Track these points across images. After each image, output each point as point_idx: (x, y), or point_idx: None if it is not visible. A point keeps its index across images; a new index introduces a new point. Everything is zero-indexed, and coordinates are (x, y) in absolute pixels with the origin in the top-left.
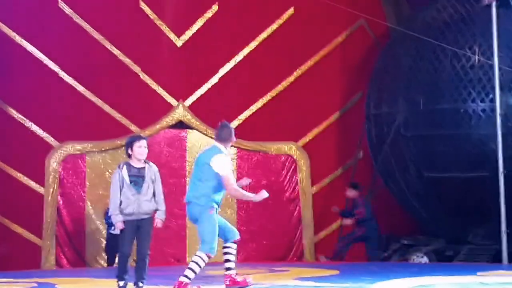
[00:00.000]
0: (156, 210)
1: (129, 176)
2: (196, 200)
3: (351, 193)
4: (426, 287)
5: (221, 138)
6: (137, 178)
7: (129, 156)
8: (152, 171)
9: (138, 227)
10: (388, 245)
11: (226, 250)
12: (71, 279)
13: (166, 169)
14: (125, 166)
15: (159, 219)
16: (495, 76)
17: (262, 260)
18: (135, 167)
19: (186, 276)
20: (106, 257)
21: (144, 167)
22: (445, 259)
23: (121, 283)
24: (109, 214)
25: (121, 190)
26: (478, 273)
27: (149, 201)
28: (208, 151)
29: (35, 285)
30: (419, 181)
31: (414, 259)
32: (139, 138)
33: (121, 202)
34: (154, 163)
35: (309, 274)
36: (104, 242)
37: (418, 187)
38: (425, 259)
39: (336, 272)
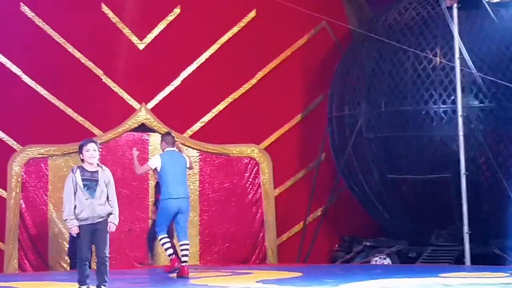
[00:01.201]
0: (110, 214)
1: (82, 180)
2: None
3: None
4: None
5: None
6: (90, 182)
7: (82, 160)
8: (105, 174)
9: (94, 230)
10: (351, 247)
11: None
12: (34, 283)
13: (129, 172)
14: (78, 170)
15: (112, 223)
16: (457, 78)
17: (225, 263)
18: (88, 171)
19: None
20: (69, 260)
21: (97, 171)
22: (408, 261)
23: (84, 287)
24: (64, 218)
25: (74, 195)
26: (440, 275)
27: (103, 205)
28: (180, 155)
29: None
30: (382, 183)
31: (377, 261)
32: (87, 141)
33: (75, 206)
34: (116, 166)
35: (272, 277)
36: (67, 245)
37: (381, 189)
38: (387, 261)
39: (299, 274)
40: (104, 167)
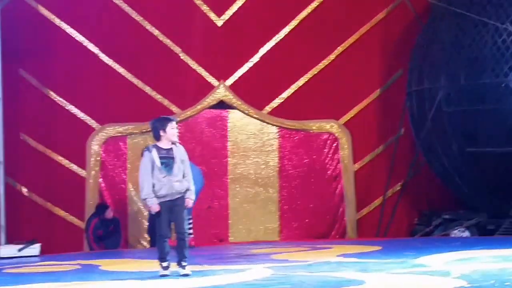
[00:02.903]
0: (187, 190)
1: (160, 158)
2: None
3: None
4: (468, 261)
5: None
6: (167, 160)
7: (158, 138)
8: (180, 151)
9: (173, 207)
10: (430, 221)
11: None
12: (115, 260)
13: (208, 149)
14: (153, 149)
15: (189, 199)
16: None
17: (305, 238)
18: (164, 149)
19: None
20: (149, 238)
21: (172, 148)
22: (486, 233)
23: (165, 264)
24: (143, 198)
25: (152, 173)
26: None
27: (180, 181)
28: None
29: (79, 267)
30: (461, 157)
31: (456, 233)
32: (170, 119)
33: (153, 185)
34: (195, 143)
35: (352, 251)
36: (146, 223)
37: (460, 163)
38: (466, 233)
39: (379, 248)
40: (177, 144)
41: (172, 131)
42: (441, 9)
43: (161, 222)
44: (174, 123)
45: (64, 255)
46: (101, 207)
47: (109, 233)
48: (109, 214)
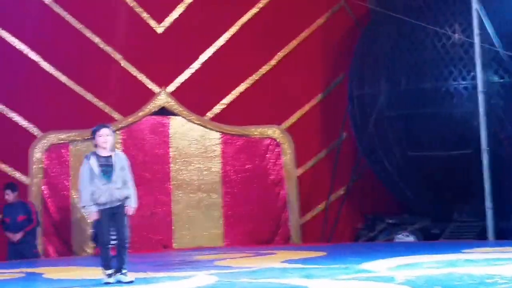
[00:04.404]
0: (127, 197)
1: (99, 166)
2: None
3: (10, 196)
4: (413, 266)
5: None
6: (106, 167)
7: (95, 145)
8: (119, 158)
9: (113, 214)
10: (374, 225)
11: None
12: (59, 268)
13: (150, 156)
14: (92, 157)
15: (129, 207)
16: (476, 54)
17: (249, 244)
18: (103, 156)
19: None
20: (93, 245)
21: (111, 156)
22: (431, 237)
23: (109, 271)
24: (81, 205)
25: (91, 181)
26: (464, 251)
27: (120, 189)
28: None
29: (23, 275)
30: (403, 161)
31: (400, 238)
32: (100, 127)
33: (93, 192)
34: (137, 150)
35: (296, 256)
36: (91, 230)
37: (403, 167)
38: (411, 238)
39: (323, 253)
40: (117, 151)
41: (100, 138)
42: (380, 14)
43: (103, 230)
44: (102, 130)
45: (7, 263)
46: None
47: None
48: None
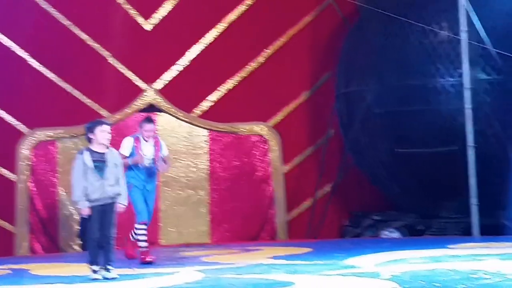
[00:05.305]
0: (118, 194)
1: (93, 161)
2: None
3: None
4: (398, 262)
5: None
6: (99, 164)
7: (90, 141)
8: (113, 155)
9: (103, 211)
10: (360, 222)
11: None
12: (45, 265)
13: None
14: (86, 152)
15: (120, 204)
16: (463, 51)
17: (235, 240)
18: (97, 152)
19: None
20: (80, 242)
21: (105, 152)
22: (416, 234)
23: (95, 268)
24: (74, 200)
25: (84, 176)
26: (449, 246)
27: (112, 185)
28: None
29: (10, 271)
30: (390, 157)
31: (386, 234)
32: (102, 122)
33: (85, 188)
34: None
35: (282, 253)
36: (78, 227)
37: (389, 164)
38: (396, 234)
39: (309, 249)
40: (111, 148)
41: (101, 134)
42: (368, 11)
43: (92, 226)
44: (105, 126)
45: None
46: None
47: None
48: None
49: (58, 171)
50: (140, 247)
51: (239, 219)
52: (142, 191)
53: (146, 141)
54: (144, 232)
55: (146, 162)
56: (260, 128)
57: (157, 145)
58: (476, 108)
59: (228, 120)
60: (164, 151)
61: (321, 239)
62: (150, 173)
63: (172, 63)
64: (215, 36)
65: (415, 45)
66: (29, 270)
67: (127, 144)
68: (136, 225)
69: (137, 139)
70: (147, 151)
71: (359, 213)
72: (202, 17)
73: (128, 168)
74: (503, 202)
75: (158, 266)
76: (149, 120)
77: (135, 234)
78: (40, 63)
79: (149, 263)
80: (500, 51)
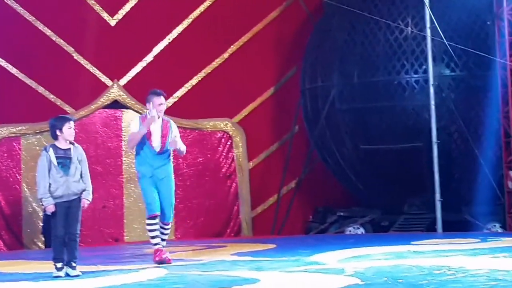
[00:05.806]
0: (83, 190)
1: (56, 158)
2: None
3: None
4: (362, 258)
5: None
6: (64, 160)
7: (55, 137)
8: (78, 151)
9: (68, 208)
10: (325, 218)
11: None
12: (9, 262)
13: (102, 149)
14: (51, 148)
15: (85, 199)
16: (428, 48)
17: (200, 237)
18: (62, 149)
19: (153, 244)
20: (43, 239)
21: (70, 148)
22: (381, 230)
23: (59, 265)
24: (39, 197)
25: (49, 173)
26: (413, 242)
27: (77, 182)
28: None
29: None
30: (355, 153)
31: (351, 230)
32: (68, 119)
33: (50, 185)
34: (90, 144)
35: (247, 249)
36: (41, 224)
37: (354, 159)
38: (361, 230)
39: (273, 246)
40: (76, 144)
41: (68, 131)
42: (333, 7)
43: (57, 223)
44: (71, 122)
45: None
46: None
47: None
48: None
49: (22, 167)
50: (154, 244)
51: (204, 216)
52: (153, 180)
53: (159, 117)
54: (156, 227)
55: (155, 145)
56: (224, 124)
57: (165, 126)
58: (440, 104)
59: (193, 117)
60: (175, 131)
61: (286, 235)
62: (160, 158)
63: (137, 59)
64: (180, 32)
65: (380, 41)
66: None
67: (135, 123)
68: (146, 220)
69: (144, 118)
70: (155, 134)
71: (324, 209)
72: (167, 13)
73: (136, 154)
74: (467, 198)
75: (122, 263)
76: (158, 93)
77: (147, 230)
78: (3, 59)
79: (161, 263)
80: (463, 47)
